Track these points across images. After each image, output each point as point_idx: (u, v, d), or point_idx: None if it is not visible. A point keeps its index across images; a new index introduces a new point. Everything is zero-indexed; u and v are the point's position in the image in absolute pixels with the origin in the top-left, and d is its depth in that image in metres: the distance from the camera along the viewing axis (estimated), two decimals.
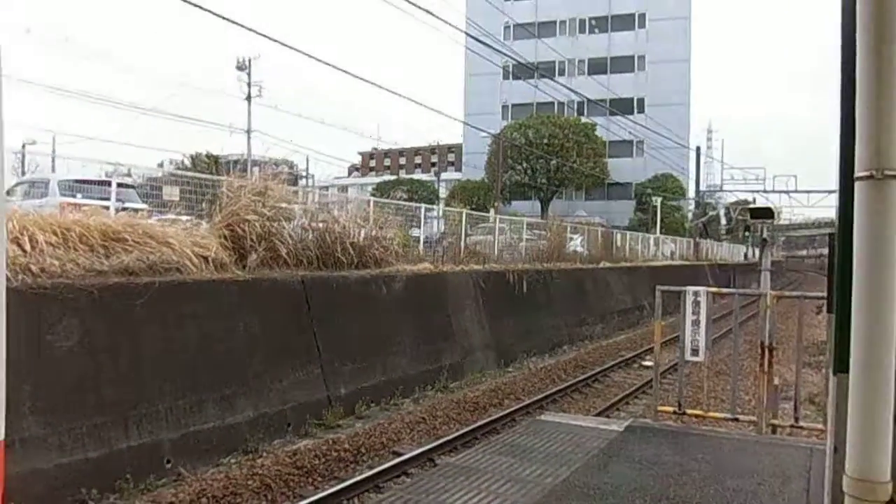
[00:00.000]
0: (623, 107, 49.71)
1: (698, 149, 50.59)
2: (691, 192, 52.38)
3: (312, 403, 9.27)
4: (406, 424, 9.32)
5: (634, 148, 54.28)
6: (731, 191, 52.31)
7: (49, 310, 6.54)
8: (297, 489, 6.96)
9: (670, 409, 7.07)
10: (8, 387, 1.83)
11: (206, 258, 8.74)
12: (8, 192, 11.44)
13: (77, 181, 12.22)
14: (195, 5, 11.63)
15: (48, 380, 6.32)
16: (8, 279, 1.90)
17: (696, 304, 6.70)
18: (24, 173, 16.51)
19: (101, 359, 6.94)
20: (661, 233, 40.90)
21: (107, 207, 9.77)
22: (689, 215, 51.48)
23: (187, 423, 7.55)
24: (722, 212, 58.20)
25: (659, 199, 43.97)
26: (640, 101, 55.82)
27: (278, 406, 8.74)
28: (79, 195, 11.35)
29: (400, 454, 7.99)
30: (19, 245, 6.81)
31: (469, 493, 4.73)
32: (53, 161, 20.10)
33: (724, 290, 9.08)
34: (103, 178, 11.83)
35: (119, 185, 11.13)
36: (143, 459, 6.94)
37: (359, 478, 7.09)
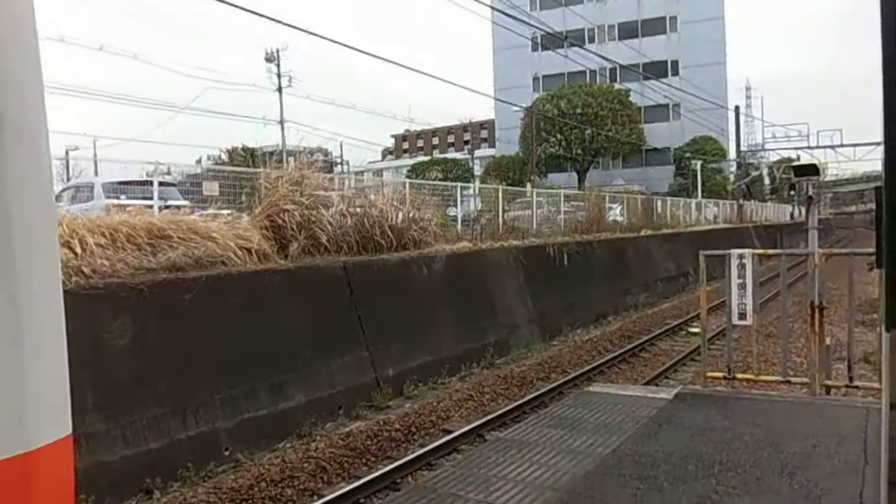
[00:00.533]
0: (657, 70, 48.63)
1: (737, 108, 49.25)
2: (732, 154, 51.11)
3: (361, 386, 9.41)
4: (454, 402, 9.41)
5: (671, 112, 53.15)
6: (773, 149, 50.96)
7: (103, 309, 6.76)
8: (351, 470, 7.11)
9: (719, 374, 7.00)
10: (71, 384, 1.92)
11: (248, 250, 8.91)
12: (56, 198, 11.80)
13: (120, 183, 12.52)
14: (223, 1, 11.71)
15: (107, 376, 6.54)
16: (63, 282, 1.98)
17: (742, 266, 6.58)
18: (69, 178, 17.01)
19: (156, 353, 7.16)
20: (702, 196, 40.11)
21: (150, 206, 10.01)
22: (731, 177, 50.31)
23: (242, 410, 7.75)
24: (765, 171, 56.68)
25: (699, 163, 43.08)
26: (675, 64, 54.53)
27: (328, 390, 8.90)
28: (123, 196, 11.63)
29: (450, 431, 8.08)
30: (70, 248, 7.03)
31: (521, 465, 4.77)
32: (96, 165, 20.65)
33: (770, 252, 8.90)
34: (145, 178, 12.09)
35: (160, 183, 11.39)
36: (202, 448, 7.16)
37: (411, 456, 7.20)
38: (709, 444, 4.76)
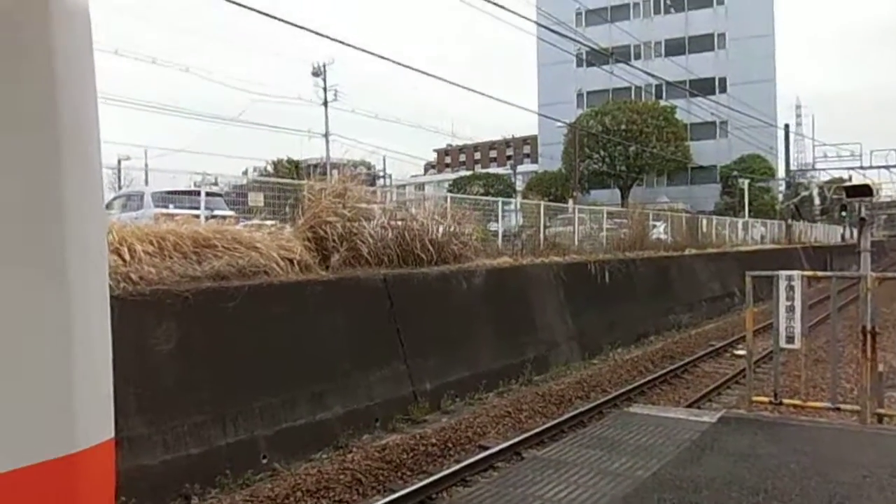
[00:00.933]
0: (704, 87, 48.03)
1: (787, 127, 48.17)
2: (781, 173, 49.93)
3: (398, 399, 9.42)
4: (491, 418, 9.33)
5: (718, 129, 52.34)
6: (824, 169, 49.61)
7: (148, 315, 6.91)
8: (386, 483, 7.09)
9: (765, 399, 6.80)
10: (115, 388, 1.96)
11: (291, 260, 9.02)
12: (107, 206, 12.17)
13: (168, 192, 12.84)
14: (271, 16, 12.00)
15: (150, 381, 6.68)
16: (111, 287, 2.03)
17: (790, 288, 6.40)
18: (120, 187, 17.50)
19: (198, 360, 7.28)
20: (749, 216, 39.26)
21: (197, 216, 10.22)
22: (780, 197, 49.12)
23: (280, 420, 7.82)
24: (815, 191, 55.17)
25: (746, 182, 42.19)
26: (722, 81, 53.75)
27: (365, 402, 8.92)
28: (171, 205, 11.92)
29: (486, 448, 8.01)
30: (120, 255, 7.21)
31: (558, 485, 4.69)
32: (146, 174, 21.23)
33: (821, 274, 8.64)
34: (192, 188, 12.38)
35: (207, 194, 11.65)
36: (241, 455, 7.23)
37: (446, 472, 7.16)
38: (753, 470, 4.62)
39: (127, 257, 7.28)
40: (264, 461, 7.42)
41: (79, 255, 1.79)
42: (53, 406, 1.70)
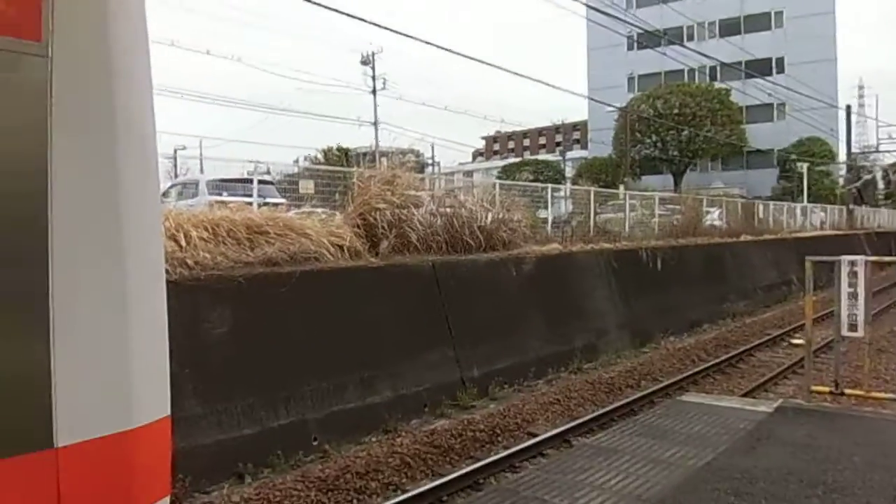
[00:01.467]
0: (760, 68, 46.45)
1: (848, 108, 46.21)
2: (842, 156, 48.14)
3: (446, 385, 9.45)
4: (540, 405, 9.29)
5: (775, 111, 50.61)
6: (888, 151, 47.70)
7: (203, 299, 7.09)
8: (434, 467, 7.14)
9: (825, 389, 6.59)
10: (171, 369, 2.01)
11: (341, 247, 9.12)
12: (164, 194, 12.51)
13: (222, 180, 13.11)
14: (322, 6, 12.08)
15: (205, 364, 6.85)
16: (167, 272, 2.08)
17: (853, 274, 6.16)
18: (176, 176, 17.92)
19: (250, 344, 7.44)
20: (808, 201, 37.98)
21: (250, 203, 10.41)
22: (841, 181, 47.34)
23: (330, 403, 7.94)
24: (879, 175, 53.08)
25: (805, 165, 40.79)
26: (780, 61, 51.89)
27: (414, 387, 8.98)
28: (224, 193, 12.17)
29: (535, 435, 7.98)
30: (176, 241, 7.40)
31: (608, 473, 4.64)
32: (201, 163, 21.69)
33: (887, 259, 8.29)
34: (245, 176, 12.60)
35: (259, 181, 11.84)
36: (292, 437, 7.37)
37: (495, 457, 7.16)
38: (812, 462, 4.48)
39: (183, 243, 7.47)
40: (315, 443, 7.55)
41: (135, 241, 1.83)
42: (113, 384, 1.76)
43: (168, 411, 1.95)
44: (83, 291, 1.69)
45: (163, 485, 1.93)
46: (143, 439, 1.80)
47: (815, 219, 35.37)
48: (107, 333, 1.75)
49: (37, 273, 1.59)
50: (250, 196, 11.10)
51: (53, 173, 1.63)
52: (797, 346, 12.75)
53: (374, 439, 8.01)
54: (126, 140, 1.83)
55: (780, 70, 50.76)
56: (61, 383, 1.62)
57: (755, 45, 49.96)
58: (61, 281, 1.62)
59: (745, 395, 9.47)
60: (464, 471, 6.79)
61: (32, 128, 1.62)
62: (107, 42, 1.79)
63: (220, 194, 12.23)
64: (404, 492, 6.44)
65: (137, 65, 1.92)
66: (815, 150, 47.01)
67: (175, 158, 22.01)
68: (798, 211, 33.21)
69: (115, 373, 1.76)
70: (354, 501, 6.35)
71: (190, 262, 7.28)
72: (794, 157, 45.34)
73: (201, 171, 18.76)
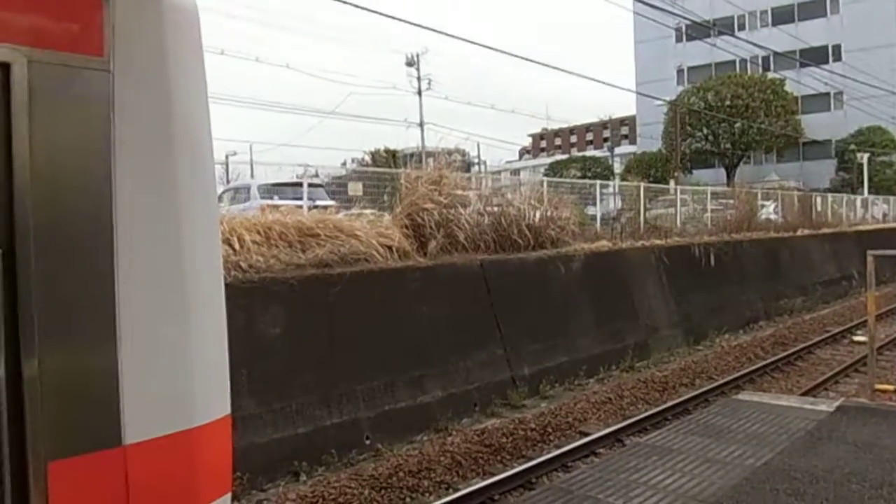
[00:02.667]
0: (816, 56, 44.93)
1: None
2: None
3: (497, 384, 9.45)
4: (592, 404, 9.21)
5: (832, 101, 48.91)
6: None
7: (257, 301, 7.25)
8: (486, 466, 7.15)
9: (890, 387, 6.38)
10: (230, 369, 2.07)
11: (390, 247, 9.20)
12: (218, 199, 12.80)
13: (273, 185, 13.38)
14: (366, 9, 12.21)
15: (260, 364, 7.01)
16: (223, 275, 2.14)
17: None
18: (228, 181, 18.36)
19: (303, 344, 7.58)
20: (869, 193, 36.61)
21: (300, 206, 10.60)
22: None
23: (382, 402, 8.02)
24: None
25: (865, 156, 39.30)
26: (836, 48, 50.10)
27: (464, 386, 9.01)
28: (275, 197, 12.41)
29: (587, 434, 7.92)
30: (230, 245, 7.59)
31: (662, 472, 4.58)
32: (252, 168, 22.17)
33: None
34: (295, 179, 12.82)
35: (309, 185, 12.05)
36: (345, 436, 7.48)
37: (546, 456, 7.14)
38: (876, 462, 4.34)
39: (237, 247, 7.65)
40: (367, 442, 7.65)
41: (194, 245, 1.90)
42: (176, 384, 1.83)
43: (228, 410, 2.01)
44: (147, 297, 1.76)
45: (224, 481, 1.99)
46: (205, 437, 1.86)
47: (876, 211, 34.09)
48: (169, 336, 1.82)
49: (104, 280, 1.67)
50: (300, 199, 11.30)
51: (117, 183, 1.70)
52: (859, 343, 12.31)
53: (425, 438, 8.06)
54: (184, 149, 1.90)
55: (837, 58, 49.01)
56: (128, 384, 1.69)
57: (810, 33, 48.37)
58: (126, 287, 1.70)
59: (804, 394, 9.21)
60: (516, 470, 6.79)
61: (97, 140, 1.69)
62: (164, 55, 1.86)
63: (272, 198, 12.47)
64: (456, 490, 6.47)
65: (193, 75, 1.98)
66: (876, 140, 45.20)
67: (227, 164, 22.52)
68: (858, 203, 32.07)
69: (177, 373, 1.83)
70: (407, 499, 6.42)
71: (244, 265, 7.46)
72: (852, 147, 43.72)
73: (252, 175, 19.17)
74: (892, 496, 3.80)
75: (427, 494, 6.53)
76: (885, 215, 34.47)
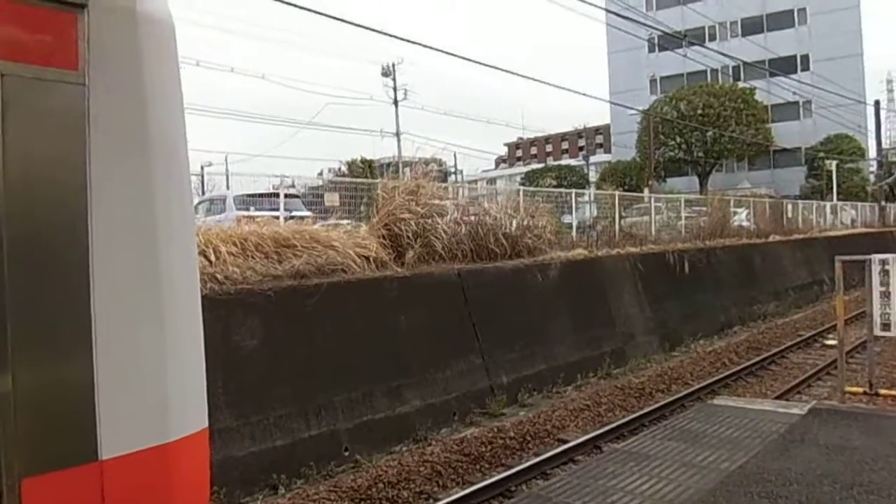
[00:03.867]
0: (785, 66, 45.88)
1: (877, 103, 45.42)
2: (872, 152, 47.23)
3: (475, 392, 9.46)
4: (570, 412, 9.26)
5: (801, 109, 49.92)
6: None
7: (234, 313, 7.20)
8: (465, 476, 7.15)
9: (859, 389, 6.49)
10: (207, 382, 2.07)
11: (367, 258, 9.19)
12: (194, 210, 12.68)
13: (249, 195, 13.27)
14: (342, 20, 12.23)
15: (237, 376, 6.95)
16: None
17: (885, 273, 6.08)
18: (204, 192, 18.22)
19: (281, 356, 7.53)
20: (838, 199, 37.34)
21: (276, 217, 10.55)
22: (871, 178, 46.49)
23: (360, 413, 7.99)
24: None
25: (834, 163, 40.10)
26: (805, 58, 51.16)
27: (443, 396, 9.01)
28: (251, 208, 12.32)
29: (565, 441, 7.96)
30: (206, 257, 7.53)
31: (640, 477, 4.62)
32: (228, 179, 22.01)
33: None
34: (271, 190, 12.76)
35: (285, 195, 11.98)
36: (324, 448, 7.44)
37: (525, 465, 7.16)
38: (847, 464, 4.43)
39: (212, 258, 7.59)
40: (346, 453, 7.61)
41: (172, 258, 1.90)
42: (153, 398, 1.82)
43: (206, 423, 2.00)
44: (123, 309, 1.76)
45: (202, 495, 1.98)
46: (182, 451, 1.85)
47: (845, 217, 34.75)
48: (146, 349, 1.82)
49: (79, 292, 1.66)
50: (277, 210, 11.24)
51: (93, 195, 1.70)
52: (830, 346, 12.53)
53: (404, 448, 8.04)
54: (160, 161, 1.90)
55: (806, 67, 50.06)
56: (104, 398, 1.68)
57: (779, 44, 49.40)
58: (102, 299, 1.69)
59: (777, 398, 9.34)
60: (495, 478, 6.79)
61: (72, 152, 1.69)
62: (140, 67, 1.86)
63: (248, 209, 12.38)
64: (436, 500, 6.46)
65: (169, 88, 1.99)
66: (844, 147, 46.18)
67: (202, 175, 22.37)
68: (828, 209, 32.68)
69: (154, 387, 1.82)
70: None
71: (220, 276, 7.40)
72: (821, 154, 44.62)
73: (228, 186, 19.02)
74: (862, 497, 3.88)
75: None
76: (853, 221, 35.16)
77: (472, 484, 6.77)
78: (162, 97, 1.93)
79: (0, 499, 1.52)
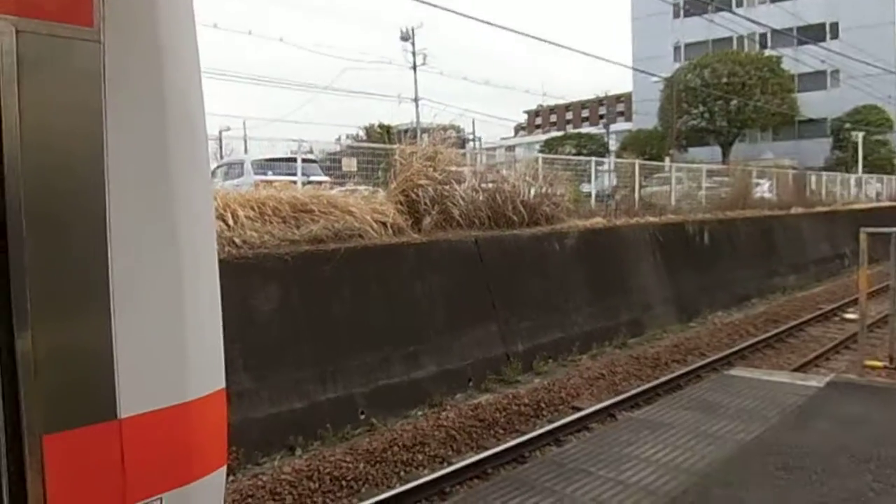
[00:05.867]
0: (813, 34, 44.66)
1: None
2: None
3: (491, 359, 9.50)
4: (585, 380, 9.28)
5: (829, 79, 48.73)
6: None
7: (252, 277, 7.25)
8: (479, 441, 7.21)
9: (880, 363, 6.43)
10: (224, 345, 2.07)
11: (384, 223, 9.19)
12: (211, 175, 12.71)
13: (267, 160, 13.27)
14: None
15: (255, 340, 7.02)
16: (216, 251, 2.13)
17: None
18: (222, 157, 18.20)
19: (298, 320, 7.59)
20: (863, 171, 36.64)
21: (294, 182, 10.54)
22: None
23: (377, 378, 8.06)
24: None
25: (860, 135, 39.24)
26: (834, 26, 49.79)
27: (459, 362, 9.06)
28: (269, 172, 12.33)
29: (580, 409, 7.99)
30: (224, 220, 7.56)
31: (654, 446, 4.63)
32: (245, 143, 22.02)
33: None
34: (289, 155, 12.73)
35: (303, 160, 11.95)
36: (340, 411, 7.53)
37: (539, 431, 7.21)
38: (865, 437, 4.40)
39: (230, 222, 7.62)
40: (362, 417, 7.70)
41: (188, 219, 1.89)
42: (170, 358, 1.82)
43: (223, 384, 2.01)
44: (141, 268, 1.75)
45: (220, 455, 2.00)
46: (200, 411, 1.86)
47: (870, 190, 34.16)
48: (164, 310, 1.82)
49: (97, 250, 1.66)
50: (294, 175, 11.23)
51: (109, 155, 1.68)
52: (850, 320, 12.41)
53: (419, 413, 8.12)
54: (176, 122, 1.87)
55: (835, 35, 48.74)
56: (123, 358, 1.69)
57: (808, 10, 48.04)
58: (119, 260, 1.69)
59: (795, 371, 9.29)
60: (509, 444, 6.85)
61: (87, 111, 1.67)
62: (156, 26, 1.83)
63: (265, 174, 12.39)
64: (450, 464, 6.53)
65: (185, 48, 1.95)
66: (871, 119, 45.14)
67: (220, 139, 22.34)
68: (852, 182, 32.12)
69: (172, 347, 1.83)
70: (402, 473, 6.48)
71: (238, 240, 7.44)
72: (848, 126, 43.66)
73: (245, 151, 19.04)
74: (880, 471, 3.86)
75: (421, 468, 6.59)
76: (878, 194, 34.55)
77: (487, 449, 6.83)
78: (178, 56, 1.90)
79: (22, 454, 1.54)
